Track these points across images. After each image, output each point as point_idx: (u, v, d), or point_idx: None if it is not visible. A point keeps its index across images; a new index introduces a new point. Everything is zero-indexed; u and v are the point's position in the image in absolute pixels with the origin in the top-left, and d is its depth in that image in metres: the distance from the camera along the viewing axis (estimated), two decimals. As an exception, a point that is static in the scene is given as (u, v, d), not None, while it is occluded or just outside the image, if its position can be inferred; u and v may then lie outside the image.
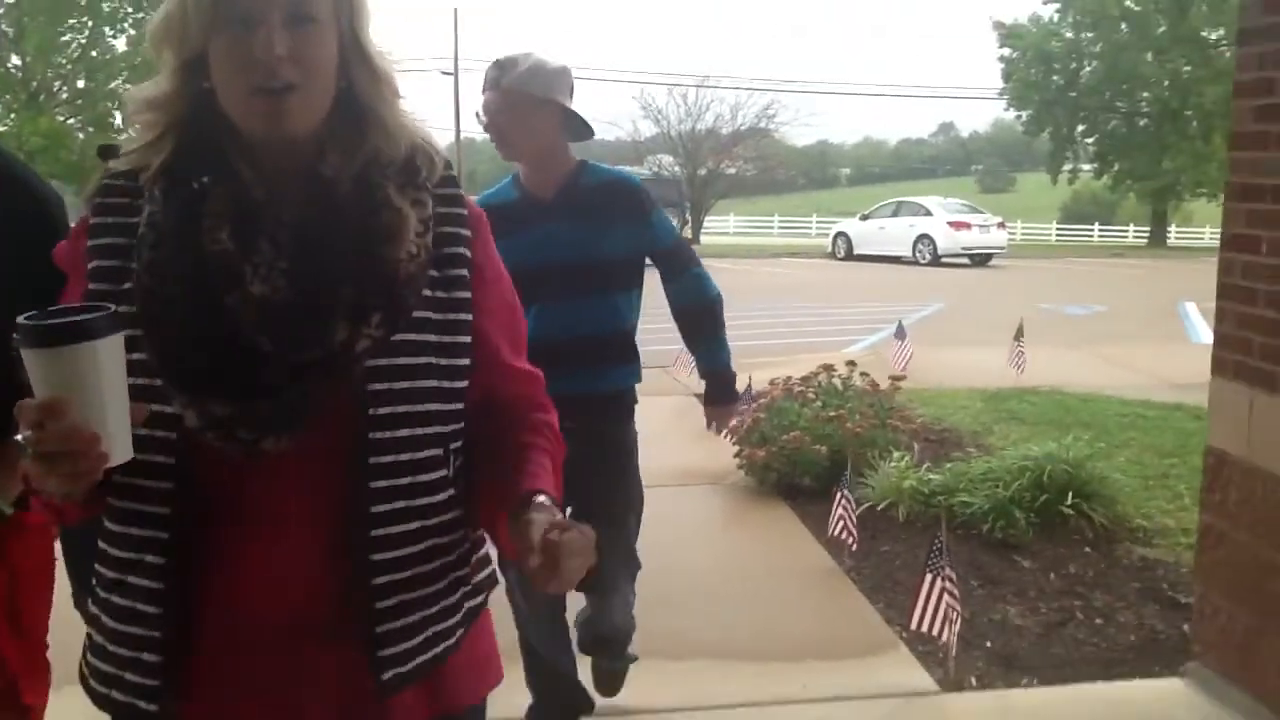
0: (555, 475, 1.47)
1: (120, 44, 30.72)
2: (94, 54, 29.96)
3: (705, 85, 38.27)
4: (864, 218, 27.78)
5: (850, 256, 26.91)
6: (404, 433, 1.37)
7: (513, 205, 2.88)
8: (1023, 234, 39.56)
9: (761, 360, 8.31)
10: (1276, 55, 3.13)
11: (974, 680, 3.63)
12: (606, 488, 2.96)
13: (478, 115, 2.94)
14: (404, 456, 1.37)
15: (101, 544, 1.39)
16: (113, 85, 30.74)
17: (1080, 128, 38.34)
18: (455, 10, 44.27)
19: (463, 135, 39.46)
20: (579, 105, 2.94)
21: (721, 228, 40.89)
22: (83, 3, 30.75)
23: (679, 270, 3.12)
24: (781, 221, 44.80)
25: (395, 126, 1.41)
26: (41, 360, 1.14)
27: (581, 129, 2.96)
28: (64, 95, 29.65)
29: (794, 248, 31.60)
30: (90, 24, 31.56)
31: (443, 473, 1.41)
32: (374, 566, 1.36)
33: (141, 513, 1.33)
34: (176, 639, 1.34)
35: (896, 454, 5.40)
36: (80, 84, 30.07)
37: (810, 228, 41.87)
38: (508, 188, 2.99)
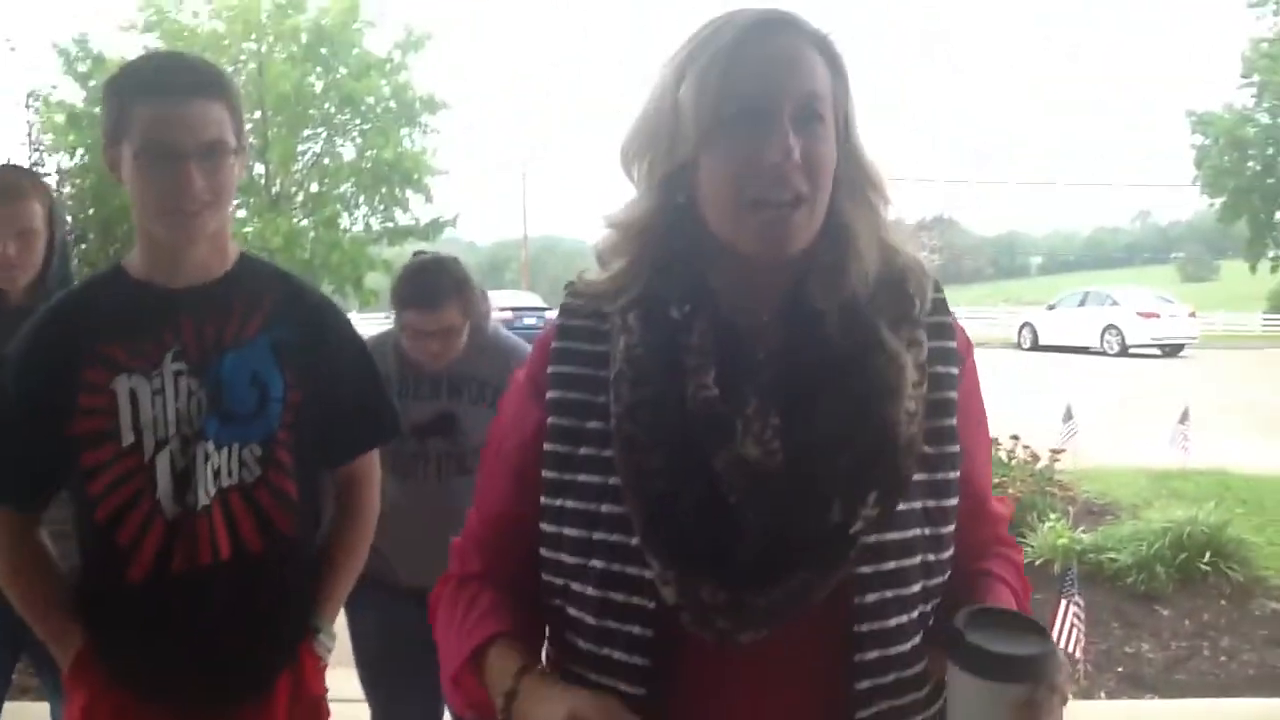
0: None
1: (348, 152, 33.57)
2: (326, 161, 32.86)
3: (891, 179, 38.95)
4: (1050, 308, 27.92)
5: (1036, 347, 27.01)
6: (892, 623, 1.14)
7: None
8: (1225, 324, 38.50)
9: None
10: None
11: (1103, 694, 4.40)
12: None
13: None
14: (891, 651, 1.14)
15: None
16: (340, 189, 33.58)
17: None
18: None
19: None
20: None
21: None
22: (317, 116, 33.59)
23: None
24: (968, 312, 44.66)
25: (886, 246, 1.19)
26: (1004, 698, 1.00)
27: None
28: (299, 199, 32.65)
29: (979, 338, 31.75)
30: (324, 134, 34.33)
31: (917, 639, 1.17)
32: None
33: (615, 690, 1.14)
34: None
35: (1053, 516, 6.17)
36: (313, 189, 33.01)
37: (997, 318, 41.75)
38: None
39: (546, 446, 1.20)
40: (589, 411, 1.19)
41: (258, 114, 32.68)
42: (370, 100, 33.43)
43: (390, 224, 33.49)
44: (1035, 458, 6.93)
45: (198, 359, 1.80)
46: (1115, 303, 25.73)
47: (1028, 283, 74.67)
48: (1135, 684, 4.54)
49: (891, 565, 1.14)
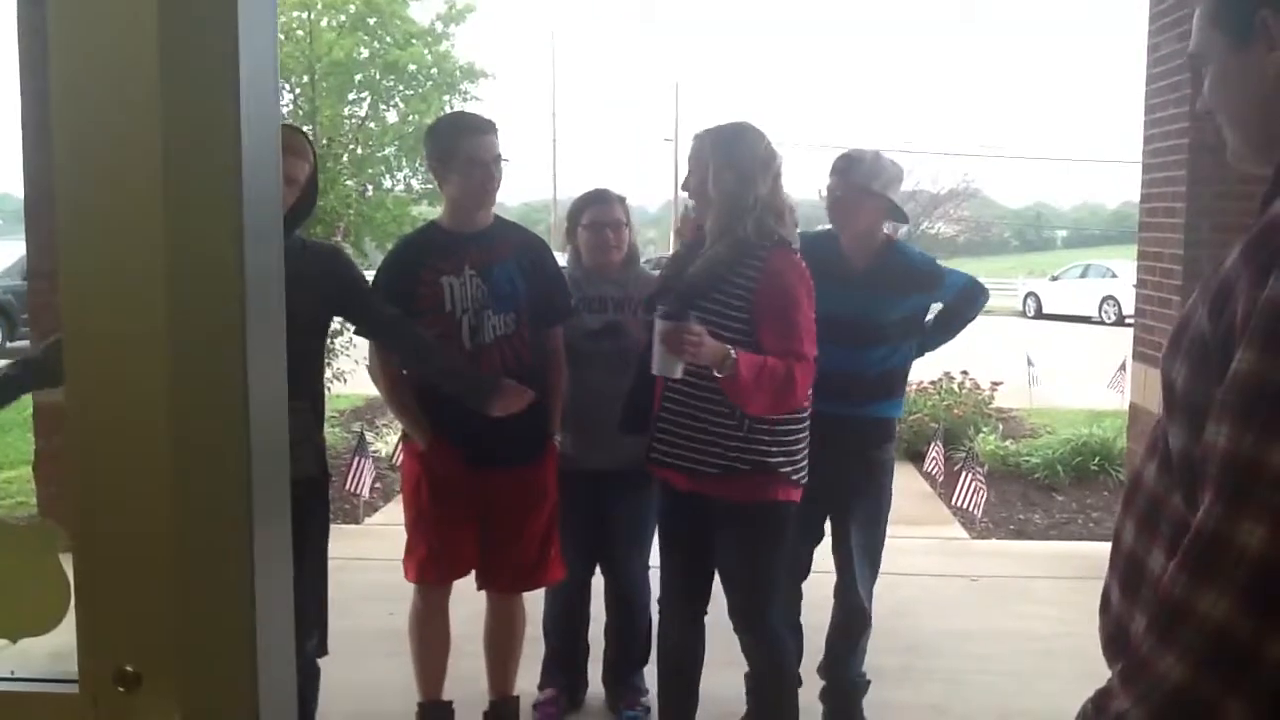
0: (754, 360, 2.77)
1: (392, 117, 35.10)
2: (371, 125, 34.42)
3: (909, 151, 40.33)
4: (1054, 279, 29.43)
5: (1040, 315, 28.51)
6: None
7: (828, 261, 3.29)
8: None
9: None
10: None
11: (993, 539, 6.17)
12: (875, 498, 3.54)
13: (820, 193, 3.54)
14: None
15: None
16: (384, 152, 35.06)
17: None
18: (676, 84, 48.04)
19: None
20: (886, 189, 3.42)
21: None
22: (363, 82, 35.09)
23: (974, 298, 3.70)
24: (989, 283, 45.01)
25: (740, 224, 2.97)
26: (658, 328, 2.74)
27: (899, 215, 3.57)
28: (345, 160, 34.21)
29: (989, 307, 33.14)
30: (369, 100, 35.85)
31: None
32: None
33: None
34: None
35: (985, 430, 7.92)
36: (358, 151, 34.54)
37: (1016, 289, 42.55)
38: (828, 241, 3.46)
39: None
40: None
41: (306, 79, 34.30)
42: (413, 68, 34.74)
43: (430, 185, 34.65)
44: (979, 388, 8.66)
45: (481, 268, 3.22)
46: (1114, 275, 27.13)
47: (1052, 256, 74.97)
48: (1019, 536, 6.30)
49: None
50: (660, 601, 3.27)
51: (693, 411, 2.92)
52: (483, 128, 3.26)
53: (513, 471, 3.31)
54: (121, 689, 0.82)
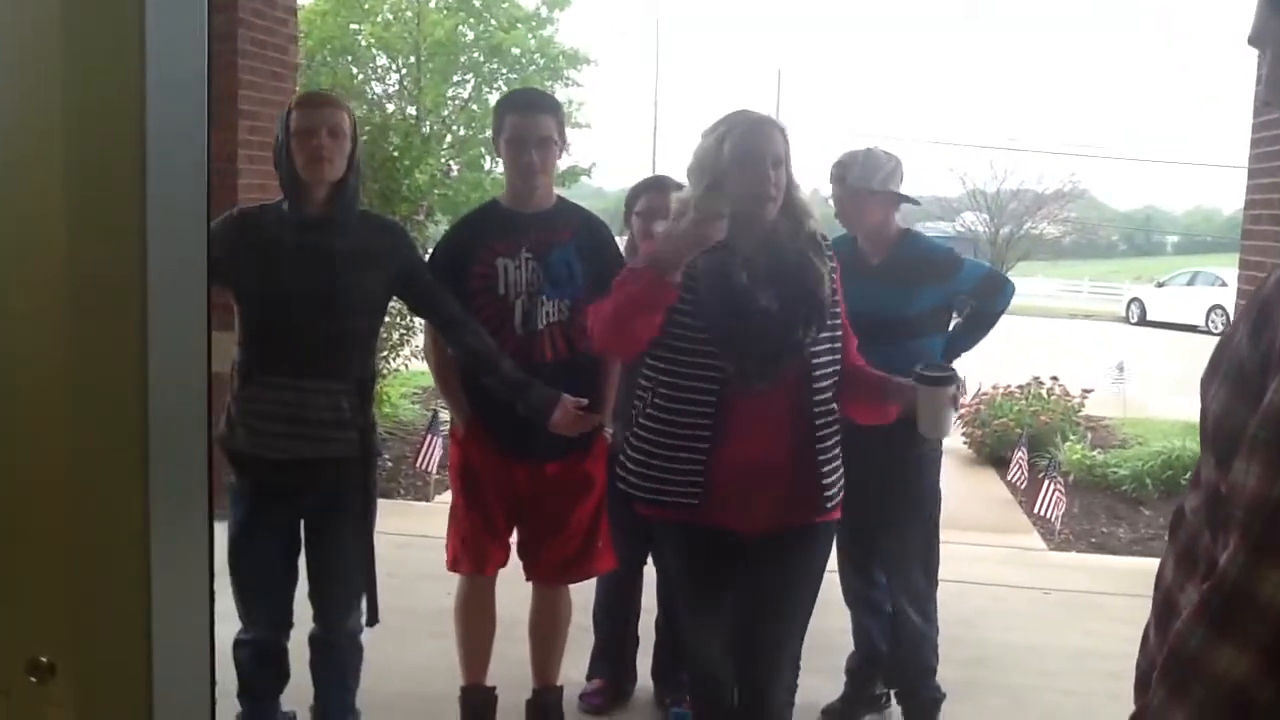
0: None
1: (494, 99, 35.24)
2: (474, 108, 34.74)
3: (1015, 149, 39.16)
4: (1160, 285, 28.49)
5: (1143, 322, 27.62)
6: (824, 384, 2.61)
7: (846, 261, 3.06)
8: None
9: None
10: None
11: (1074, 552, 5.97)
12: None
13: (827, 200, 3.69)
14: (822, 396, 2.60)
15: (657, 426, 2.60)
16: (486, 134, 35.32)
17: None
18: (779, 72, 47.58)
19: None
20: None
21: (1024, 289, 40.72)
22: (467, 64, 35.49)
23: (996, 289, 3.62)
24: (1093, 286, 43.79)
25: (808, 216, 2.62)
26: (932, 392, 2.59)
27: (907, 200, 3.57)
28: (448, 141, 34.63)
29: (1091, 311, 32.40)
30: (472, 81, 36.21)
31: (830, 393, 2.63)
32: (818, 448, 2.60)
33: (697, 411, 2.55)
34: (711, 466, 2.53)
35: (1073, 438, 7.67)
36: (461, 132, 34.94)
37: (1122, 295, 40.75)
38: (846, 243, 3.48)
39: (678, 306, 2.51)
40: (684, 296, 2.52)
41: (412, 59, 34.79)
42: (516, 52, 34.83)
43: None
44: (1068, 395, 8.40)
45: (538, 251, 3.11)
46: (1224, 284, 26.10)
47: (1162, 261, 72.57)
48: (1101, 550, 6.08)
49: (824, 360, 2.59)
50: (690, 643, 2.94)
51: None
52: (528, 106, 3.15)
53: (554, 463, 3.22)
54: (34, 680, 0.78)
